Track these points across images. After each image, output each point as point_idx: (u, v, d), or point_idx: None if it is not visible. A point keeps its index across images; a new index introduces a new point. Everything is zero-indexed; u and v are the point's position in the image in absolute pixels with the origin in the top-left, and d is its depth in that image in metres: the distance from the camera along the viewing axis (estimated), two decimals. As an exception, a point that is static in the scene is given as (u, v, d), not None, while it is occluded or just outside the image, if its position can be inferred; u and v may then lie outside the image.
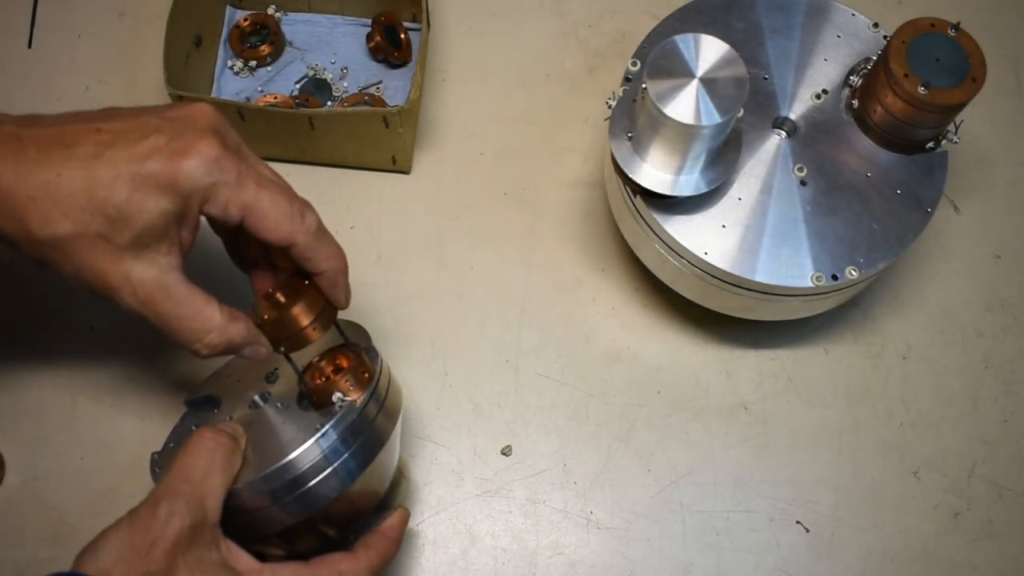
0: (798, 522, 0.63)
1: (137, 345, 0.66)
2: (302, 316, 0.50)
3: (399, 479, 0.57)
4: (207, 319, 0.48)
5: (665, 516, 0.63)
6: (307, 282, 0.51)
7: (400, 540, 0.54)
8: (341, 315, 0.53)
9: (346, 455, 0.49)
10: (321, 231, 0.50)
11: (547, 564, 0.61)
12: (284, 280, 0.53)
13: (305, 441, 0.48)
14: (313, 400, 0.51)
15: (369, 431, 0.51)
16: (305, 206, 0.49)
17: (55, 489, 0.62)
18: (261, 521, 0.49)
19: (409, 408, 0.65)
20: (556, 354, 0.66)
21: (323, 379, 0.51)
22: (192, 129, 0.45)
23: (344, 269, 0.51)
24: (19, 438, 0.63)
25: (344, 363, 0.52)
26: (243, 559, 0.47)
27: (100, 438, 0.63)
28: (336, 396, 0.50)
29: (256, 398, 0.54)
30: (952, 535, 0.63)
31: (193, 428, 0.53)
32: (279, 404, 0.52)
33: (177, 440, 0.54)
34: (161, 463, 0.53)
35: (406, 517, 0.54)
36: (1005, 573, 0.62)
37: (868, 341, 0.68)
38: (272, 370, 0.55)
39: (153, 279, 0.46)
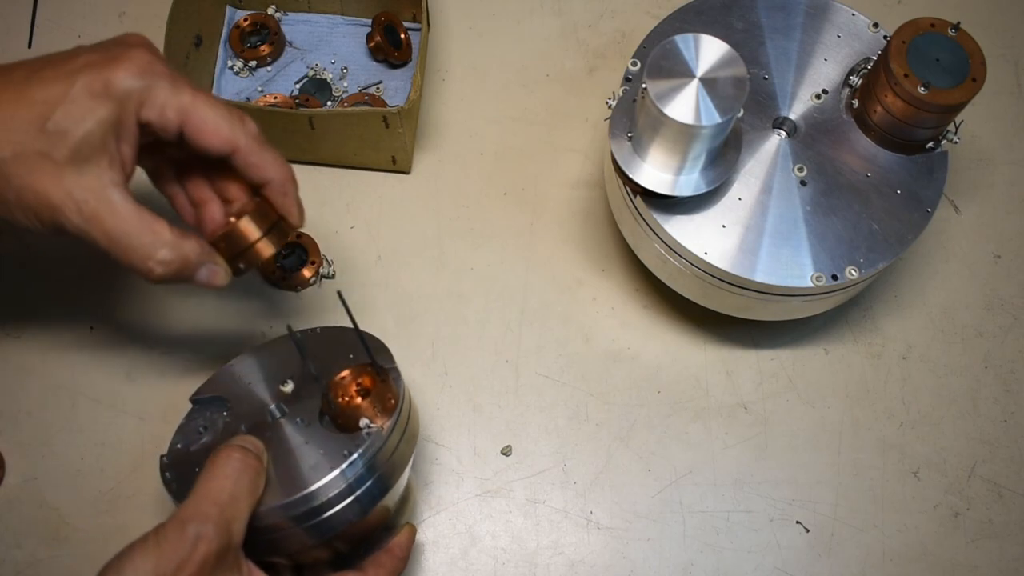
0: (798, 522, 0.63)
1: (137, 345, 0.66)
2: (251, 229, 0.49)
3: (407, 496, 0.57)
4: (157, 234, 0.46)
5: (665, 516, 0.63)
6: (256, 197, 0.51)
7: (407, 558, 0.54)
8: (361, 319, 0.51)
9: (369, 483, 0.49)
10: (262, 138, 0.49)
11: (547, 564, 0.61)
12: (235, 208, 0.52)
13: (332, 470, 0.48)
14: (337, 422, 0.50)
15: (392, 458, 0.50)
16: (243, 113, 0.49)
17: (55, 489, 0.62)
18: (279, 541, 0.48)
19: (409, 408, 0.65)
20: (556, 354, 0.66)
21: (347, 399, 0.50)
22: (123, 44, 0.46)
23: (291, 178, 0.50)
24: (19, 438, 0.63)
25: (368, 383, 0.50)
26: None
27: (100, 438, 0.63)
28: (363, 422, 0.49)
29: (273, 408, 0.53)
30: (952, 535, 0.63)
31: (201, 430, 0.53)
32: (299, 420, 0.51)
33: (185, 441, 0.54)
34: (171, 467, 0.52)
35: (413, 534, 0.55)
36: (1005, 573, 0.62)
37: (868, 341, 0.68)
38: (286, 377, 0.54)
39: (97, 194, 0.45)
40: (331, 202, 0.70)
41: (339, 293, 0.49)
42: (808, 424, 0.65)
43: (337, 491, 0.48)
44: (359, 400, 0.50)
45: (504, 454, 0.64)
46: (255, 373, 0.56)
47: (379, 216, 0.70)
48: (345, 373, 0.51)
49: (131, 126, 0.46)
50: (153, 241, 0.46)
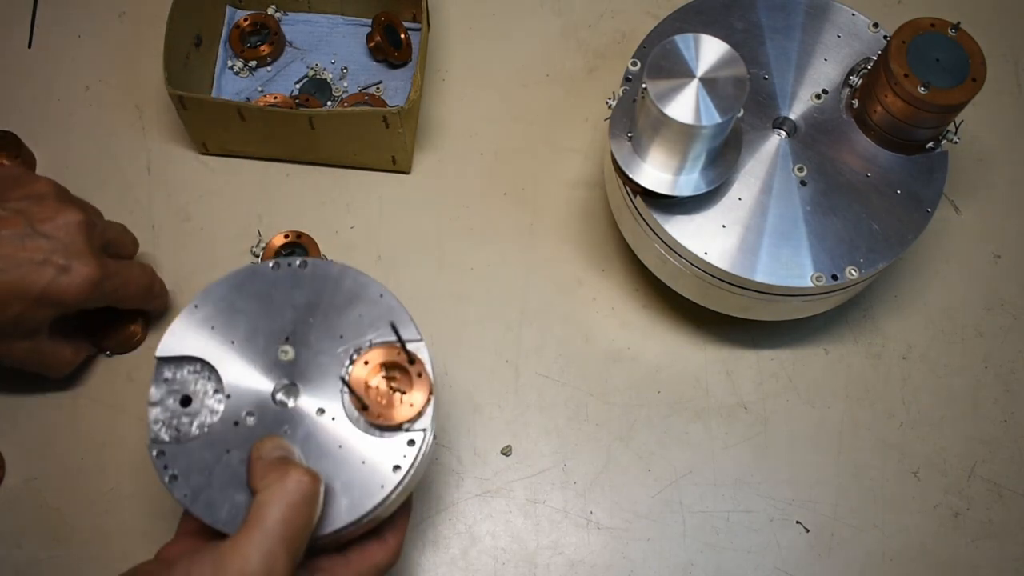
0: (798, 522, 0.63)
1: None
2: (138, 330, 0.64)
3: None
4: (63, 359, 0.61)
5: (665, 516, 0.63)
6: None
7: (412, 505, 0.53)
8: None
9: (409, 478, 0.46)
10: (162, 286, 0.65)
11: (547, 564, 0.61)
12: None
13: (384, 486, 0.45)
14: (374, 424, 0.46)
15: (428, 455, 0.48)
16: (152, 272, 0.63)
17: (55, 489, 0.62)
18: (315, 541, 0.45)
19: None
20: (556, 354, 0.66)
21: (379, 397, 0.46)
22: (76, 251, 0.55)
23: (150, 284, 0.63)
24: (19, 438, 0.63)
25: (399, 375, 0.46)
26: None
27: (100, 438, 0.63)
28: (406, 426, 0.46)
29: (280, 393, 0.47)
30: (952, 535, 0.63)
31: (183, 402, 0.46)
32: (319, 411, 0.46)
33: (168, 416, 0.46)
34: (168, 464, 0.46)
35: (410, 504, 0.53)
36: (1005, 573, 0.62)
37: (868, 341, 0.68)
38: (283, 336, 0.47)
39: (27, 351, 0.58)
40: (331, 202, 0.70)
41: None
42: (808, 424, 0.65)
43: (390, 500, 0.45)
44: (398, 401, 0.46)
45: (504, 454, 0.64)
46: (229, 323, 0.47)
47: (379, 216, 0.70)
48: (369, 357, 0.46)
49: (71, 313, 0.57)
50: (63, 366, 0.62)
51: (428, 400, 0.46)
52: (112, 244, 0.61)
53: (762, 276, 0.56)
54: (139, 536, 0.61)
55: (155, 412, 0.47)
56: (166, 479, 0.46)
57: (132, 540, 0.61)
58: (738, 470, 0.64)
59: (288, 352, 0.47)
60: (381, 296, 0.48)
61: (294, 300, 0.48)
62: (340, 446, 0.46)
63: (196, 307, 0.48)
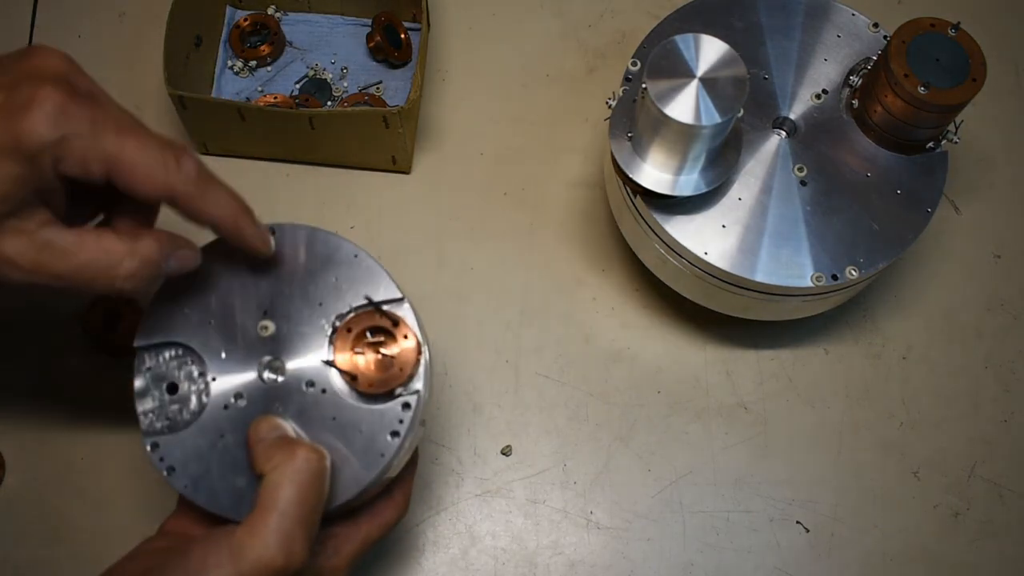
0: (798, 522, 0.63)
1: (137, 345, 0.66)
2: None
3: None
4: (109, 252, 0.41)
5: (665, 516, 0.63)
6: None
7: (416, 457, 0.51)
8: None
9: (411, 441, 0.46)
10: (204, 176, 0.44)
11: (547, 564, 0.61)
12: None
13: (383, 455, 0.44)
14: (366, 392, 0.45)
15: (423, 415, 0.47)
16: (181, 151, 0.43)
17: (55, 489, 0.62)
18: (324, 515, 0.44)
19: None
20: (556, 354, 0.66)
21: (367, 365, 0.45)
22: (32, 78, 0.39)
23: (243, 211, 0.45)
24: (19, 438, 0.63)
25: (385, 340, 0.45)
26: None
27: (100, 438, 0.63)
28: (398, 391, 0.45)
29: (266, 371, 0.45)
30: (952, 535, 0.63)
31: (168, 390, 0.45)
32: (306, 384, 0.45)
33: (156, 405, 0.45)
34: (163, 458, 0.45)
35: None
36: (1005, 573, 0.62)
37: (868, 341, 0.68)
38: (260, 310, 0.46)
39: (30, 244, 0.40)
40: (331, 202, 0.70)
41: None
42: (808, 424, 0.65)
43: (391, 467, 0.45)
44: (387, 367, 0.44)
45: (504, 454, 0.64)
46: (207, 302, 0.46)
47: (379, 216, 0.70)
48: (352, 323, 0.44)
49: (50, 180, 0.40)
50: (108, 261, 0.41)
51: (417, 361, 0.45)
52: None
53: (762, 276, 0.56)
54: (139, 536, 0.61)
55: (144, 404, 0.46)
56: (164, 472, 0.45)
57: (132, 540, 0.61)
58: (738, 470, 0.64)
59: (268, 327, 0.46)
60: (356, 256, 0.47)
61: (266, 270, 0.46)
62: (334, 418, 0.45)
63: (168, 289, 0.47)
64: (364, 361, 0.45)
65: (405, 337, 0.45)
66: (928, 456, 0.65)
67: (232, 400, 0.45)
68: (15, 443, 0.63)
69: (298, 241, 0.47)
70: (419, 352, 0.45)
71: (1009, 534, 0.63)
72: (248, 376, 0.46)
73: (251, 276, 0.46)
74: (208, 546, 0.40)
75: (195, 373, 0.46)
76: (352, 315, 0.46)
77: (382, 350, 0.45)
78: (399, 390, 0.45)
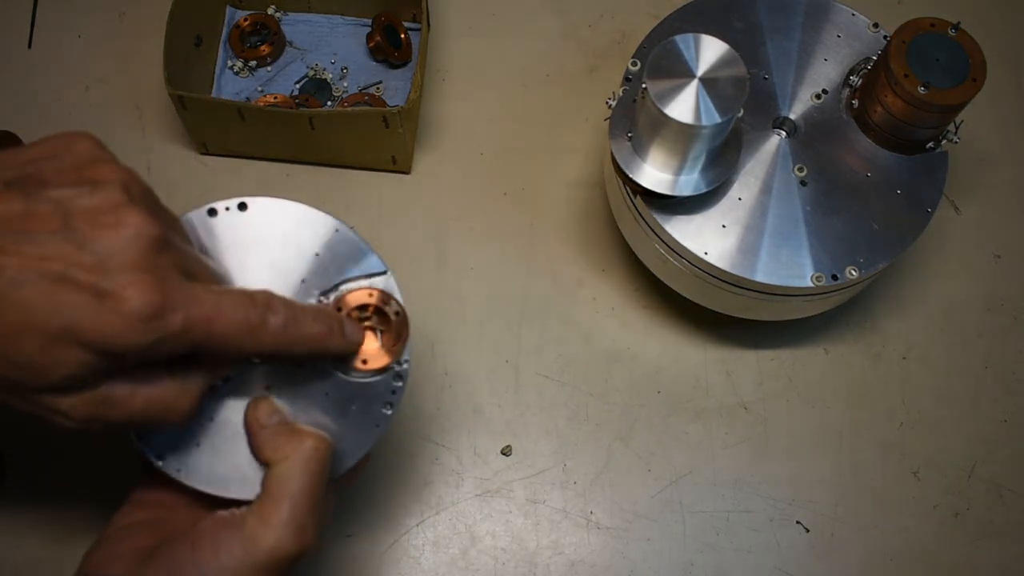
0: (798, 522, 0.63)
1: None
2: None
3: None
4: (162, 398, 0.38)
5: (665, 516, 0.63)
6: None
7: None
8: None
9: (394, 410, 0.45)
10: (291, 323, 0.40)
11: (547, 564, 0.61)
12: None
13: (377, 425, 0.44)
14: (360, 368, 0.44)
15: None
16: (265, 307, 0.39)
17: (55, 489, 0.62)
18: None
19: (409, 408, 0.65)
20: (556, 354, 0.66)
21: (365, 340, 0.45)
22: (121, 262, 0.34)
23: (327, 335, 0.42)
24: (19, 438, 0.63)
25: (373, 313, 0.45)
26: None
27: (100, 438, 0.63)
28: (392, 365, 0.45)
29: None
30: (952, 535, 0.63)
31: None
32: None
33: None
34: (153, 446, 0.43)
35: None
36: (1005, 573, 0.62)
37: (868, 341, 0.68)
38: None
39: (86, 402, 0.36)
40: (331, 202, 0.70)
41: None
42: (808, 424, 0.65)
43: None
44: (379, 342, 0.44)
45: (504, 454, 0.64)
46: None
47: (379, 216, 0.70)
48: (342, 303, 0.44)
49: (128, 364, 0.36)
50: (163, 406, 0.39)
51: (407, 335, 0.45)
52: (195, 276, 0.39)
53: (762, 276, 0.56)
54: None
55: None
56: (154, 459, 0.44)
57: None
58: (738, 470, 0.64)
59: None
60: (337, 231, 0.45)
61: (249, 251, 0.44)
62: (327, 394, 0.44)
63: None
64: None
65: (397, 314, 0.45)
66: (928, 456, 0.65)
67: (221, 381, 0.44)
68: (15, 443, 0.63)
69: (272, 216, 0.45)
70: (407, 326, 0.45)
71: (1009, 534, 0.63)
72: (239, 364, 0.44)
73: (228, 255, 0.44)
74: (219, 536, 0.40)
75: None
76: (341, 293, 0.44)
77: (371, 324, 0.45)
78: (392, 365, 0.45)
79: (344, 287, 0.45)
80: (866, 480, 0.64)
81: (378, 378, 0.45)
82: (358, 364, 0.44)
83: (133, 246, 0.34)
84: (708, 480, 0.63)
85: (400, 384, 0.45)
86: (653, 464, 0.64)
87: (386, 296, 0.45)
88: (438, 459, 0.64)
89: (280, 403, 0.44)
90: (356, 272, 0.45)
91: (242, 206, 0.44)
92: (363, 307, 0.45)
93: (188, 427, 0.43)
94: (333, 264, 0.45)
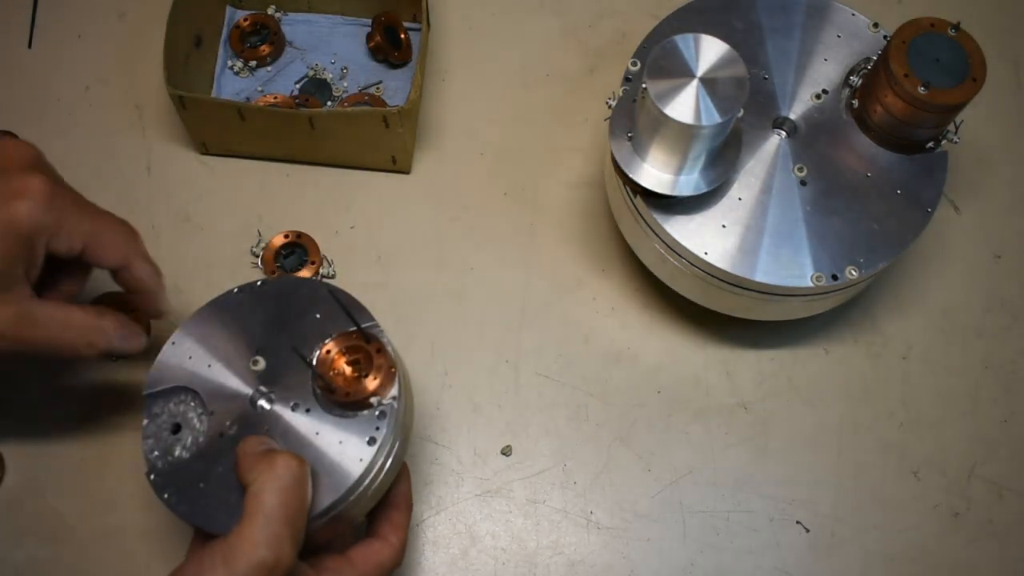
0: (798, 522, 0.63)
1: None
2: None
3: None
4: (79, 326, 0.49)
5: (665, 516, 0.63)
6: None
7: (412, 501, 0.54)
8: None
9: (393, 456, 0.49)
10: (145, 251, 0.52)
11: (547, 564, 0.61)
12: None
13: (362, 460, 0.47)
14: (342, 404, 0.48)
15: (404, 425, 0.50)
16: (134, 230, 0.52)
17: (55, 489, 0.62)
18: (311, 537, 0.47)
19: (409, 408, 0.65)
20: (556, 354, 0.66)
21: (349, 379, 0.48)
22: (17, 169, 0.46)
23: (163, 286, 0.54)
24: (19, 438, 0.63)
25: (361, 354, 0.49)
26: (303, 569, 0.46)
27: (100, 438, 0.63)
28: (374, 400, 0.48)
29: (255, 395, 0.49)
30: (952, 535, 0.63)
31: (174, 430, 0.49)
32: (294, 405, 0.48)
33: (161, 447, 0.49)
34: (167, 484, 0.48)
35: (409, 476, 0.54)
36: (1005, 573, 0.62)
37: (868, 341, 0.68)
38: (245, 350, 0.50)
39: (11, 316, 0.47)
40: (331, 202, 0.70)
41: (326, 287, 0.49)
42: (808, 424, 0.65)
43: (371, 475, 0.48)
44: (362, 378, 0.48)
45: (504, 454, 0.64)
46: (206, 350, 0.50)
47: (379, 216, 0.70)
48: (331, 346, 0.49)
49: (39, 255, 0.47)
50: (80, 334, 0.49)
51: (391, 373, 0.48)
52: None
53: (762, 276, 0.56)
54: (139, 536, 0.61)
55: (148, 444, 0.49)
56: (165, 497, 0.48)
57: (132, 540, 0.61)
58: (738, 470, 0.64)
59: (259, 362, 0.50)
60: (333, 294, 0.51)
61: (259, 318, 0.51)
62: (317, 433, 0.48)
63: (174, 344, 0.51)
64: (342, 375, 0.48)
65: (378, 351, 0.49)
66: (928, 456, 0.65)
67: (227, 427, 0.49)
68: (15, 443, 0.63)
69: (284, 289, 0.52)
70: (392, 367, 0.49)
71: (1009, 534, 0.63)
72: (242, 406, 0.49)
73: (247, 324, 0.51)
74: (203, 554, 0.43)
75: (196, 411, 0.49)
76: (332, 340, 0.49)
77: (358, 367, 0.49)
78: (374, 399, 0.48)
79: (337, 335, 0.50)
80: (866, 480, 0.64)
81: (363, 414, 0.48)
82: (340, 397, 0.48)
83: (24, 155, 0.48)
84: (708, 480, 0.63)
85: (384, 421, 0.48)
86: (653, 464, 0.64)
87: (369, 337, 0.49)
88: (438, 459, 0.64)
89: (273, 440, 0.48)
90: (349, 326, 0.50)
91: (263, 283, 0.52)
92: (350, 349, 0.49)
93: (197, 473, 0.48)
94: (330, 321, 0.50)
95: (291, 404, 0.49)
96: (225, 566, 0.41)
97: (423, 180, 0.71)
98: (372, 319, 0.50)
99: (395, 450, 0.49)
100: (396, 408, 0.48)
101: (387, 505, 0.52)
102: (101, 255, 0.50)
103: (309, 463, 0.46)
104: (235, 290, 0.52)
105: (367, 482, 0.48)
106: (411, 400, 0.52)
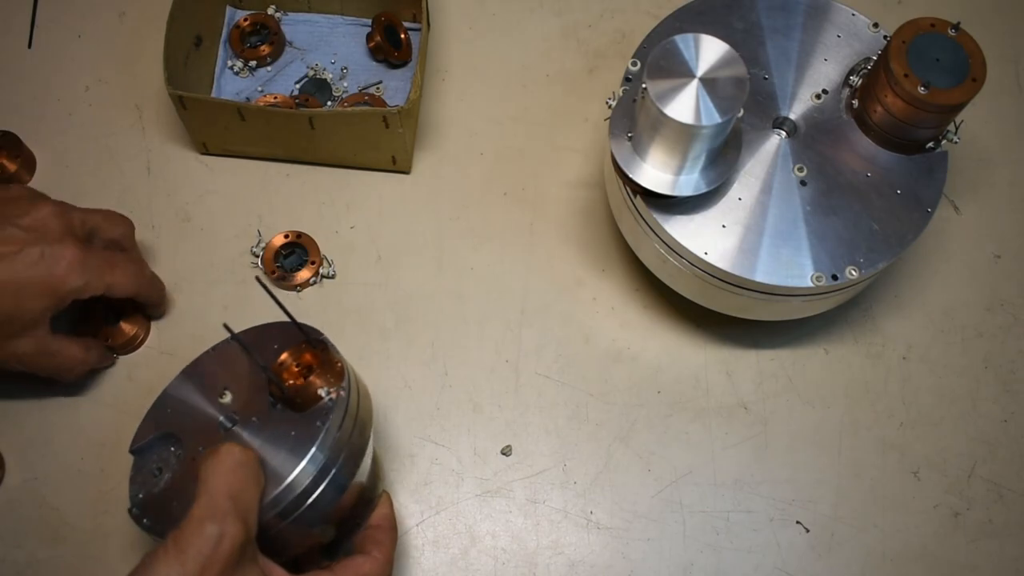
0: (798, 522, 0.63)
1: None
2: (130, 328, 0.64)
3: (376, 466, 0.57)
4: (74, 358, 0.60)
5: (665, 516, 0.63)
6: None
7: (396, 526, 0.55)
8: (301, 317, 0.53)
9: (344, 454, 0.50)
10: (152, 276, 0.64)
11: (547, 564, 0.61)
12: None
13: (311, 446, 0.48)
14: (294, 404, 0.50)
15: (358, 421, 0.51)
16: (142, 261, 0.64)
17: (55, 489, 0.62)
18: (274, 542, 0.48)
19: (409, 408, 0.65)
20: (556, 354, 0.66)
21: (298, 378, 0.51)
22: (54, 238, 0.56)
23: (164, 296, 0.65)
24: (19, 438, 0.63)
25: (310, 358, 0.52)
26: (277, 571, 0.47)
27: (100, 438, 0.63)
28: (321, 392, 0.50)
29: (222, 419, 0.52)
30: (952, 535, 0.63)
31: (157, 472, 0.52)
32: (253, 419, 0.51)
33: (145, 488, 0.52)
34: (145, 514, 0.51)
35: (390, 502, 0.56)
36: (1005, 573, 0.62)
37: (868, 341, 0.68)
38: (219, 389, 0.54)
39: (33, 349, 0.58)
40: (331, 202, 0.70)
41: (256, 278, 0.52)
42: (808, 424, 0.65)
43: (318, 469, 0.48)
44: (309, 376, 0.50)
45: (504, 454, 0.64)
46: (188, 399, 0.55)
47: (379, 216, 0.70)
48: (284, 355, 0.52)
49: (65, 306, 0.57)
50: (73, 364, 0.61)
51: (339, 370, 0.51)
52: (99, 230, 0.61)
53: (762, 276, 0.56)
54: (139, 536, 0.61)
55: (135, 489, 0.53)
56: (144, 523, 0.50)
57: (132, 540, 0.61)
58: (738, 470, 0.64)
59: (226, 395, 0.53)
60: (289, 327, 0.54)
61: (228, 371, 0.54)
62: (271, 434, 0.50)
63: (154, 410, 0.55)
64: (294, 382, 0.51)
65: (323, 350, 0.52)
66: (928, 456, 0.65)
67: (198, 453, 0.52)
68: (15, 443, 0.63)
69: (248, 341, 0.54)
70: (337, 362, 0.51)
71: (1009, 534, 0.63)
72: (212, 431, 0.52)
73: (217, 377, 0.54)
74: (164, 546, 0.44)
75: (175, 452, 0.53)
76: (284, 355, 0.52)
77: (308, 373, 0.51)
78: (321, 390, 0.50)
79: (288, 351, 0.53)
80: (866, 480, 0.64)
81: (313, 408, 0.50)
82: (292, 394, 0.50)
83: (49, 220, 0.57)
84: (708, 480, 0.63)
85: (333, 408, 0.50)
86: (653, 464, 0.64)
87: (313, 341, 0.52)
88: (438, 459, 0.64)
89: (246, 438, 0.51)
90: (301, 344, 0.53)
91: (228, 341, 0.54)
92: (299, 357, 0.52)
93: (173, 497, 0.51)
94: (285, 346, 0.53)
95: (251, 419, 0.51)
96: (175, 547, 0.43)
97: (423, 180, 0.71)
98: (321, 334, 0.53)
99: (351, 441, 0.50)
100: (343, 399, 0.50)
101: (370, 527, 0.54)
102: (116, 294, 0.60)
103: (258, 453, 0.48)
104: (207, 352, 0.56)
105: (317, 474, 0.49)
106: (367, 401, 0.54)
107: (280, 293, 0.67)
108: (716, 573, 0.61)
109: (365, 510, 0.55)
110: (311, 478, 0.48)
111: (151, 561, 0.43)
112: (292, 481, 0.48)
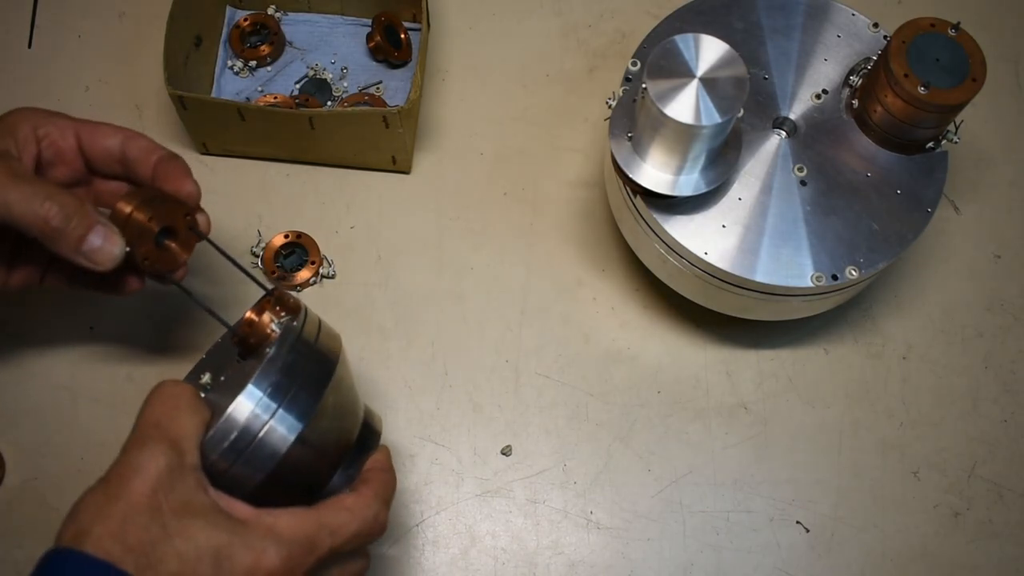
0: (798, 522, 0.63)
1: (137, 345, 0.66)
2: (127, 205, 0.52)
3: (370, 418, 0.55)
4: (44, 193, 0.49)
5: (665, 516, 0.63)
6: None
7: (393, 471, 0.52)
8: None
9: (296, 386, 0.48)
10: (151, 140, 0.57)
11: (547, 564, 0.61)
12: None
13: (255, 370, 0.47)
14: (250, 344, 0.50)
15: (312, 359, 0.49)
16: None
17: (55, 489, 0.62)
18: (230, 483, 0.46)
19: (409, 408, 0.65)
20: (556, 354, 0.66)
21: (252, 322, 0.50)
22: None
23: (181, 163, 0.56)
24: (19, 438, 0.63)
25: (267, 304, 0.51)
26: (237, 505, 0.45)
27: (100, 438, 0.63)
28: (272, 326, 0.50)
29: (202, 393, 0.50)
30: (952, 535, 0.63)
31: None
32: (222, 378, 0.51)
33: None
34: None
35: (388, 452, 0.53)
36: (1005, 573, 0.62)
37: (868, 341, 0.68)
38: (201, 373, 0.54)
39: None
40: (331, 202, 0.70)
41: (207, 239, 0.54)
42: (808, 424, 0.65)
43: (263, 399, 0.47)
44: (263, 315, 0.50)
45: (504, 454, 0.64)
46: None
47: (379, 216, 0.70)
48: (247, 312, 0.51)
49: (31, 143, 0.52)
50: (41, 200, 0.49)
51: (292, 305, 0.51)
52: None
53: (762, 276, 0.56)
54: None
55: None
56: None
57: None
58: (738, 470, 0.64)
59: (205, 375, 0.52)
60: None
61: (216, 361, 0.54)
62: (237, 383, 0.49)
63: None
64: (250, 323, 0.50)
65: (281, 296, 0.51)
66: (928, 456, 0.65)
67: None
68: (15, 443, 0.63)
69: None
70: (291, 300, 0.51)
71: (1009, 534, 0.63)
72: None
73: (199, 369, 0.54)
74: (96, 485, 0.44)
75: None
76: (252, 306, 0.52)
77: (263, 313, 0.51)
78: (271, 326, 0.50)
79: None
80: (866, 480, 0.64)
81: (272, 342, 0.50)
82: (243, 329, 0.50)
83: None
84: (708, 480, 0.63)
85: (276, 336, 0.50)
86: (653, 464, 0.64)
87: (279, 292, 0.52)
88: (438, 459, 0.64)
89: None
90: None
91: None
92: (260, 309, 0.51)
93: None
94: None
95: (220, 377, 0.52)
96: (102, 480, 0.43)
97: (423, 180, 0.71)
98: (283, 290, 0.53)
99: (305, 371, 0.48)
100: (292, 327, 0.49)
101: (364, 471, 0.51)
102: (97, 137, 0.55)
103: (196, 390, 0.48)
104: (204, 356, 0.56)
105: (262, 405, 0.47)
106: (333, 342, 0.52)
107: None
108: (716, 573, 0.61)
109: (354, 463, 0.52)
110: (255, 410, 0.46)
111: (83, 496, 0.43)
112: (232, 411, 0.46)
